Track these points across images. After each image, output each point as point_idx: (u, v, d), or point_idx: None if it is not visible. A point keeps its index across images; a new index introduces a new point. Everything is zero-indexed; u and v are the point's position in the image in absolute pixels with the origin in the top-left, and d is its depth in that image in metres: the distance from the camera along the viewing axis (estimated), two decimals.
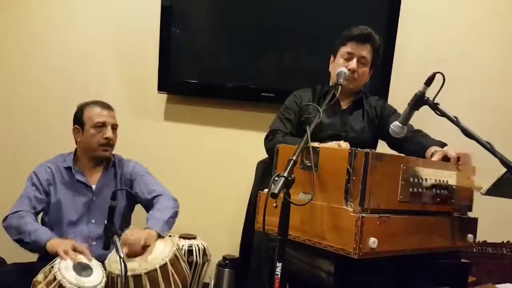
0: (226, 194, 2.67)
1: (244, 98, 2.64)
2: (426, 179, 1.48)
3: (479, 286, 2.11)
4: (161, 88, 2.65)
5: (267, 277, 1.67)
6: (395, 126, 1.57)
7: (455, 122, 1.45)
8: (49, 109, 2.79)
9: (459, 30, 2.58)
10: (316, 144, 1.53)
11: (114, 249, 1.61)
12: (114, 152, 2.11)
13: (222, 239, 2.63)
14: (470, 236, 1.65)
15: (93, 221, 1.99)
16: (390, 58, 2.47)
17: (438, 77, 1.46)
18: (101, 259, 1.76)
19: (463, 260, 1.70)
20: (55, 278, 1.55)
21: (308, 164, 1.41)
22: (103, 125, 1.99)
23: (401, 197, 1.41)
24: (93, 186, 2.03)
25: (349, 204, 1.33)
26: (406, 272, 1.52)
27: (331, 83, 2.03)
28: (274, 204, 1.23)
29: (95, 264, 1.70)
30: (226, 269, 2.42)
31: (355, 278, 1.42)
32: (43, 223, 2.00)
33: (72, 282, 1.55)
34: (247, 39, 2.62)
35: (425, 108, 1.53)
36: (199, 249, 2.34)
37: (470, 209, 1.67)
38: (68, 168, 2.03)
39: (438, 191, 1.52)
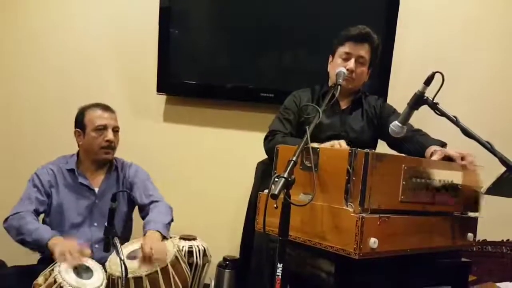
0: (226, 194, 2.67)
1: (243, 99, 2.64)
2: (428, 179, 1.48)
3: (479, 285, 2.12)
4: (160, 89, 2.65)
5: (268, 278, 1.67)
6: (394, 126, 1.57)
7: (455, 121, 1.45)
8: (48, 110, 2.78)
9: (458, 28, 2.58)
10: (316, 145, 1.53)
11: (115, 251, 1.61)
12: (115, 153, 2.10)
13: (223, 240, 2.62)
14: (470, 235, 1.66)
15: (95, 224, 1.99)
16: (389, 57, 2.47)
17: (438, 77, 1.46)
18: (103, 262, 1.76)
19: (463, 259, 1.70)
20: (55, 281, 1.55)
21: (308, 165, 1.41)
22: (104, 128, 1.99)
23: (402, 197, 1.41)
24: (96, 189, 2.03)
25: (349, 205, 1.33)
26: (406, 271, 1.52)
27: (330, 83, 2.03)
28: (275, 205, 1.23)
29: (95, 266, 1.70)
30: (226, 270, 2.41)
31: (355, 278, 1.42)
32: (44, 224, 1.99)
33: (72, 284, 1.55)
34: (246, 39, 2.61)
35: (425, 108, 1.53)
36: (199, 250, 2.33)
37: (476, 209, 1.67)
38: (71, 171, 2.02)
39: (440, 191, 1.52)
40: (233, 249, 2.46)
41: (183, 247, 2.30)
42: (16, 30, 2.81)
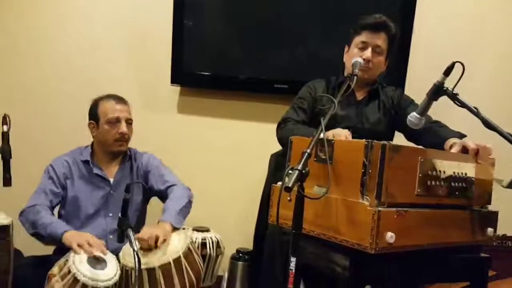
0: (240, 186, 2.66)
1: (257, 90, 2.62)
2: (444, 172, 1.44)
3: (499, 280, 2.07)
4: (174, 80, 2.64)
5: (281, 271, 1.65)
6: (412, 117, 1.53)
7: (476, 112, 1.41)
8: (60, 103, 2.79)
9: (477, 17, 2.51)
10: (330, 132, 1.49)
11: (128, 242, 1.61)
12: (129, 145, 2.10)
13: (236, 232, 2.62)
14: (490, 229, 1.61)
15: (110, 214, 1.99)
16: (407, 47, 2.41)
17: (457, 67, 1.41)
18: (117, 253, 1.77)
19: (482, 254, 1.66)
20: (69, 271, 1.56)
21: (323, 157, 1.38)
22: (117, 120, 1.99)
23: (418, 190, 1.37)
24: (111, 180, 2.03)
25: (365, 198, 1.29)
26: (424, 266, 1.49)
27: (345, 74, 1.99)
28: (288, 198, 1.21)
29: (109, 257, 1.71)
30: (239, 262, 2.41)
31: (371, 273, 1.40)
32: (60, 216, 2.01)
33: (86, 275, 1.56)
34: (260, 30, 2.59)
35: (442, 99, 1.48)
36: (212, 242, 2.33)
37: (489, 202, 1.63)
38: (86, 162, 2.03)
39: (457, 184, 1.48)
40: (246, 241, 2.45)
41: (196, 238, 2.30)
42: (26, 21, 2.80)
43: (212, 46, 2.66)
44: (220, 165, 2.72)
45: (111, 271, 1.64)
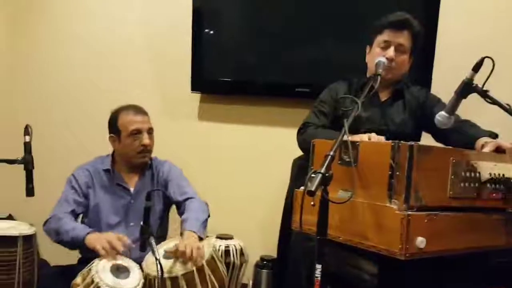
0: (263, 192, 2.63)
1: (278, 94, 2.59)
2: (479, 173, 1.37)
3: None
4: (194, 88, 2.64)
5: (306, 279, 1.60)
6: (441, 116, 1.47)
7: (508, 109, 1.34)
8: (80, 111, 2.83)
9: (503, 11, 2.41)
10: (354, 137, 1.45)
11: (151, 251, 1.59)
12: None
13: (260, 239, 2.58)
14: None
15: (131, 224, 1.99)
16: (432, 45, 2.34)
17: (487, 63, 1.35)
18: (140, 262, 1.75)
19: None
20: (93, 281, 1.55)
21: (347, 160, 1.34)
22: (138, 132, 1.96)
23: (451, 192, 1.31)
24: (131, 189, 2.03)
25: (393, 202, 1.25)
26: (456, 272, 1.42)
27: (368, 75, 1.94)
28: (312, 203, 1.17)
29: (132, 265, 1.69)
30: (264, 270, 2.36)
31: (401, 279, 1.34)
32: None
33: (109, 284, 1.54)
34: (279, 34, 2.56)
35: (471, 98, 1.42)
36: (236, 250, 2.30)
37: None
38: (107, 171, 2.03)
39: (493, 185, 1.41)
40: (270, 248, 2.41)
41: (219, 246, 2.27)
42: (45, 30, 2.87)
43: (231, 52, 2.65)
44: (242, 171, 2.69)
45: (134, 280, 1.62)
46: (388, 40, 1.84)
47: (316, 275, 1.19)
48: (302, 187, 1.28)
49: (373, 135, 1.55)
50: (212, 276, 1.70)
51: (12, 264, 1.57)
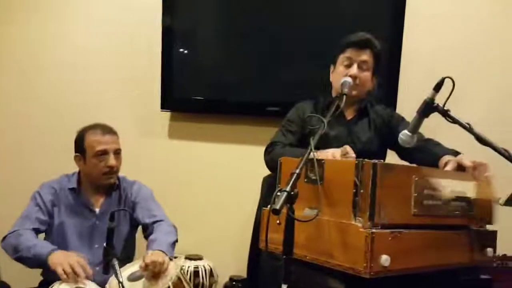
0: (233, 211, 2.61)
1: (249, 113, 2.59)
2: (441, 191, 1.40)
3: None
4: (164, 106, 2.62)
5: None
6: (404, 135, 1.50)
7: (468, 128, 1.38)
8: (48, 130, 2.76)
9: (468, 32, 2.50)
10: (318, 153, 1.45)
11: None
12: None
13: (229, 259, 2.54)
14: (489, 250, 1.56)
15: (96, 245, 1.93)
16: (397, 65, 2.41)
17: (448, 82, 1.39)
18: (104, 284, 1.69)
19: (482, 276, 1.60)
20: None
21: (313, 178, 1.34)
22: (105, 152, 1.91)
23: (415, 210, 1.33)
24: (97, 210, 1.97)
25: (357, 219, 1.25)
26: None
27: (333, 94, 1.97)
28: (278, 221, 1.16)
29: None
30: None
31: None
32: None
33: None
34: (250, 54, 2.58)
35: (436, 116, 1.45)
36: (205, 270, 2.27)
37: (491, 222, 1.58)
38: (73, 190, 1.97)
39: (454, 203, 1.43)
40: (240, 268, 2.37)
41: (188, 267, 2.24)
42: (13, 45, 2.80)
43: (202, 71, 2.65)
44: (213, 190, 2.66)
45: None
46: (350, 57, 1.88)
47: None
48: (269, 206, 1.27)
49: (337, 150, 1.55)
50: None
51: None
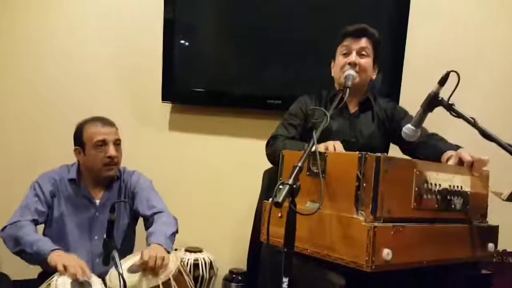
0: (233, 204, 2.60)
1: (249, 106, 2.58)
2: (440, 185, 1.39)
3: None
4: (165, 97, 2.61)
5: None
6: (407, 129, 1.48)
7: (472, 123, 1.37)
8: (49, 122, 2.74)
9: (472, 26, 2.49)
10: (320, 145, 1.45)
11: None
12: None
13: (229, 252, 2.55)
14: (490, 245, 1.56)
15: (96, 237, 1.92)
16: (401, 58, 2.39)
17: (453, 76, 1.38)
18: (104, 277, 1.69)
19: (483, 271, 1.60)
20: None
21: (315, 171, 1.33)
22: (104, 143, 1.89)
23: (415, 204, 1.32)
24: (97, 201, 1.96)
25: (360, 213, 1.24)
26: (423, 285, 1.42)
27: (336, 87, 1.96)
28: (279, 214, 1.15)
29: (95, 280, 1.63)
30: (233, 284, 2.33)
31: None
32: (44, 236, 1.93)
33: None
34: (252, 46, 2.57)
35: (440, 111, 1.44)
36: (205, 263, 2.27)
37: (485, 216, 1.58)
38: (72, 181, 1.96)
39: (452, 197, 1.43)
40: (240, 261, 2.37)
41: (188, 259, 2.24)
42: (12, 39, 2.78)
43: (203, 63, 2.64)
44: (213, 183, 2.66)
45: None
46: (348, 45, 1.88)
47: None
48: (271, 199, 1.26)
49: (330, 143, 1.54)
50: None
51: None
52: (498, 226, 1.58)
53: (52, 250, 1.68)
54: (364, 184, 1.24)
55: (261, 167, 2.17)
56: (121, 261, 1.52)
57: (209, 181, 2.66)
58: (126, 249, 1.95)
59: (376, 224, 1.20)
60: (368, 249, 1.18)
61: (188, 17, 2.60)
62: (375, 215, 1.22)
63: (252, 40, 2.57)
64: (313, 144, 1.29)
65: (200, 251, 2.35)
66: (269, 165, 2.07)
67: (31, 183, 1.95)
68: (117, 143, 1.95)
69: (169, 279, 1.64)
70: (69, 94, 2.74)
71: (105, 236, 1.53)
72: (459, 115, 1.39)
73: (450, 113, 1.40)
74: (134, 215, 2.03)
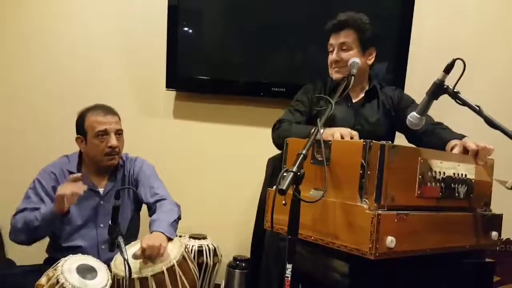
0: (237, 192, 2.61)
1: (254, 94, 2.57)
2: (444, 173, 1.39)
3: (504, 286, 2.01)
4: (169, 85, 2.60)
5: (277, 279, 1.59)
6: (412, 117, 1.48)
7: (478, 111, 1.36)
8: (53, 109, 2.75)
9: (477, 14, 2.47)
10: (326, 130, 1.45)
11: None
12: (123, 151, 2.03)
13: (233, 239, 2.56)
14: (494, 233, 1.56)
15: (101, 225, 1.93)
16: (406, 46, 2.37)
17: (458, 64, 1.36)
18: (109, 263, 1.71)
19: (487, 260, 1.60)
20: (58, 281, 1.50)
21: (320, 159, 1.33)
22: (105, 133, 1.89)
23: (419, 192, 1.32)
24: (101, 190, 1.96)
25: (364, 201, 1.24)
26: (426, 273, 1.43)
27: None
28: (283, 202, 1.16)
29: (100, 266, 1.65)
30: (236, 270, 2.34)
31: (371, 280, 1.34)
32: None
33: (75, 285, 1.50)
34: (256, 34, 2.56)
35: (445, 99, 1.43)
36: (209, 250, 2.29)
37: (488, 205, 1.58)
38: (73, 173, 1.93)
39: (456, 185, 1.43)
40: (244, 248, 2.39)
41: (192, 246, 2.25)
42: (18, 27, 2.78)
43: (207, 50, 2.63)
44: (217, 170, 2.67)
45: (101, 280, 1.58)
46: (331, 43, 1.91)
47: (287, 275, 1.17)
48: (275, 186, 1.26)
49: (345, 130, 1.53)
50: (183, 277, 1.68)
51: None
52: (502, 214, 1.58)
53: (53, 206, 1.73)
54: (369, 172, 1.24)
55: (265, 155, 2.18)
56: (126, 247, 1.53)
57: (213, 168, 2.67)
58: (131, 235, 1.98)
59: (380, 212, 1.21)
60: (371, 236, 1.18)
61: (192, 4, 2.59)
62: (379, 202, 1.23)
63: (256, 28, 2.56)
64: (317, 132, 1.29)
65: (204, 238, 2.37)
66: (273, 153, 2.07)
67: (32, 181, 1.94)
68: (118, 132, 1.95)
69: (173, 265, 1.66)
70: (73, 83, 2.74)
71: (110, 222, 1.55)
72: (464, 103, 1.38)
73: (456, 101, 1.39)
74: (138, 203, 2.04)
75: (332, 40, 1.91)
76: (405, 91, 2.24)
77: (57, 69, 2.76)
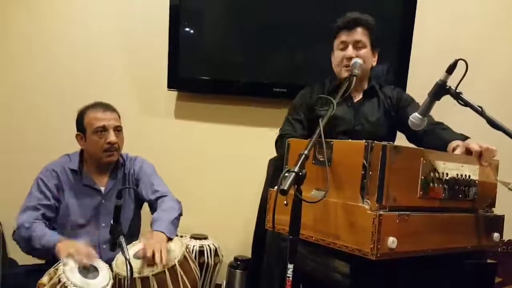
0: (239, 192, 2.61)
1: (255, 94, 2.58)
2: (447, 174, 1.39)
3: (505, 287, 2.01)
4: (170, 85, 2.60)
5: (278, 279, 1.59)
6: (414, 117, 1.48)
7: (480, 112, 1.36)
8: (54, 108, 2.75)
9: (479, 16, 2.48)
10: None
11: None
12: (124, 151, 2.04)
13: (235, 239, 2.56)
14: (496, 234, 1.55)
15: (103, 224, 1.93)
16: (408, 47, 2.38)
17: (460, 65, 1.36)
18: (111, 262, 1.71)
19: (489, 261, 1.60)
20: (59, 281, 1.50)
21: (321, 159, 1.33)
22: (104, 129, 1.90)
23: (421, 193, 1.32)
24: (102, 189, 1.97)
25: (365, 201, 1.24)
26: (427, 273, 1.43)
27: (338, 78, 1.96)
28: (285, 202, 1.16)
29: (102, 265, 1.65)
30: (238, 270, 2.35)
31: (372, 280, 1.34)
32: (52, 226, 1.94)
33: (77, 284, 1.50)
34: (258, 34, 2.56)
35: (446, 100, 1.43)
36: (210, 250, 2.29)
37: (493, 206, 1.58)
38: (75, 171, 1.96)
39: (459, 186, 1.42)
40: (245, 249, 2.39)
41: (193, 246, 2.25)
42: (19, 27, 2.78)
43: (209, 51, 2.63)
44: (218, 170, 2.67)
45: (103, 280, 1.58)
46: (344, 40, 1.88)
47: (288, 275, 1.17)
48: (277, 187, 1.26)
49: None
50: (184, 277, 1.68)
51: None
52: (504, 215, 1.58)
53: (59, 241, 1.69)
54: (370, 173, 1.24)
55: (266, 155, 2.18)
56: (127, 247, 1.53)
57: (214, 168, 2.67)
58: (133, 235, 1.97)
59: (381, 212, 1.21)
60: (373, 237, 1.18)
61: (193, 4, 2.59)
62: (380, 203, 1.22)
63: (258, 28, 2.56)
64: (320, 132, 1.29)
65: (206, 238, 2.37)
66: (274, 153, 2.07)
67: (34, 179, 1.94)
68: (117, 129, 1.95)
69: (175, 265, 1.66)
70: (74, 83, 2.74)
71: (111, 222, 1.55)
72: (466, 104, 1.38)
73: (458, 101, 1.39)
74: (139, 201, 2.04)
75: (344, 37, 1.88)
76: (407, 92, 2.25)
77: (58, 69, 2.76)
